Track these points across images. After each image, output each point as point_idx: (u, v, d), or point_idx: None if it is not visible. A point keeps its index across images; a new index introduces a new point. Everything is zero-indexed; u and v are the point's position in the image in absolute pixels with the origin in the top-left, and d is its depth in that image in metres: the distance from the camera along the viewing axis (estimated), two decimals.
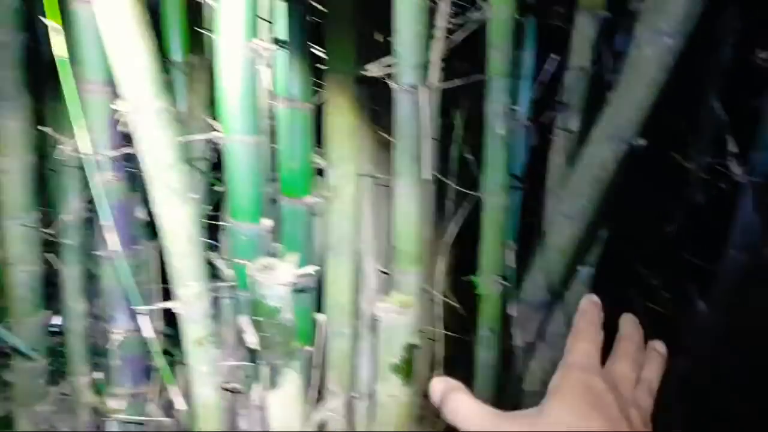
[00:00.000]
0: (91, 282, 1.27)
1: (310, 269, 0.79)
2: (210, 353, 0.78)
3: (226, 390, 0.91)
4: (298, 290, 0.86)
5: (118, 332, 0.99)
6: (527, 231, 1.04)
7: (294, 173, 0.96)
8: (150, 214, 1.13)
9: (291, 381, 0.82)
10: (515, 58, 0.94)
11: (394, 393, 0.89)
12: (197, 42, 1.11)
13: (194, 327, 0.76)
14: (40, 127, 1.08)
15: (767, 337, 1.07)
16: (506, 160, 0.96)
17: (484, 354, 1.04)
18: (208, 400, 0.83)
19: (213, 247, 1.07)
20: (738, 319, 1.12)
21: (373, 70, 1.01)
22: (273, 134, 0.99)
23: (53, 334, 1.33)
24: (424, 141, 0.99)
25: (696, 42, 0.80)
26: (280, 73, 0.92)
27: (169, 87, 1.19)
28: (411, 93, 0.96)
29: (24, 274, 1.21)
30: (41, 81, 1.26)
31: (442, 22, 0.93)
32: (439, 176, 1.09)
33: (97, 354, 1.26)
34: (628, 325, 0.55)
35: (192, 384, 0.82)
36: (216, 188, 1.13)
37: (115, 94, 0.93)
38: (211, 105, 1.15)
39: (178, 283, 0.74)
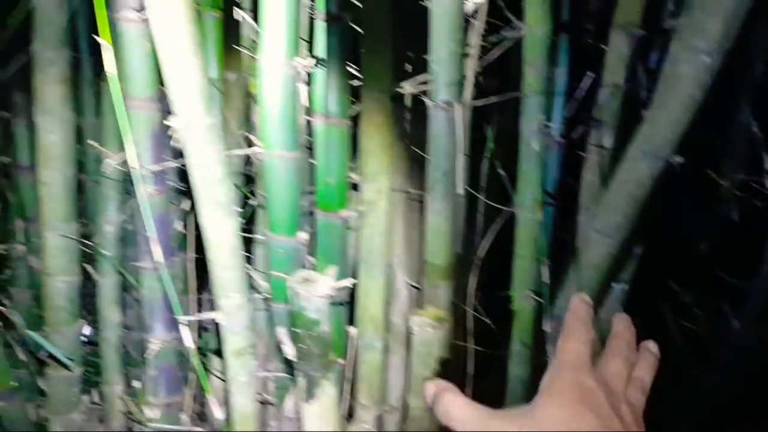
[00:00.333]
0: (125, 293, 1.30)
1: (348, 282, 0.80)
2: (249, 364, 0.80)
3: (261, 402, 0.92)
4: (334, 303, 0.87)
5: (156, 342, 1.00)
6: (560, 247, 1.05)
7: (330, 188, 0.97)
8: (185, 226, 1.16)
9: (327, 393, 0.83)
10: (549, 75, 0.95)
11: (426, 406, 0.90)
12: (231, 58, 1.14)
13: (235, 338, 0.78)
14: (90, 142, 1.11)
15: None
16: (540, 177, 0.96)
17: (516, 370, 1.04)
18: (246, 409, 0.84)
19: (247, 260, 1.09)
20: None
21: (408, 87, 1.03)
22: (309, 149, 1.01)
23: (84, 343, 1.36)
24: (457, 157, 1.01)
25: (731, 58, 0.80)
26: (318, 90, 0.94)
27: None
28: (445, 110, 0.98)
29: (62, 284, 1.24)
30: (82, 96, 1.31)
31: (476, 40, 0.94)
32: (472, 191, 1.10)
33: (130, 364, 1.28)
34: (621, 324, 0.55)
35: (230, 394, 0.83)
36: (250, 202, 1.15)
37: (158, 110, 0.97)
38: (246, 121, 1.18)
39: (221, 294, 0.75)
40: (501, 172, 1.05)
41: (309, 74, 0.92)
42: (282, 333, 0.81)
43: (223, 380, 1.07)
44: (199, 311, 1.17)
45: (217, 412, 0.88)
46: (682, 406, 1.06)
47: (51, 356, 1.21)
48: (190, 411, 1.09)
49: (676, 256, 1.22)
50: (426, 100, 0.99)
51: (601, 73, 0.99)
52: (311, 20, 0.93)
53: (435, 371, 0.91)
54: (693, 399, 0.60)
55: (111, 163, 0.93)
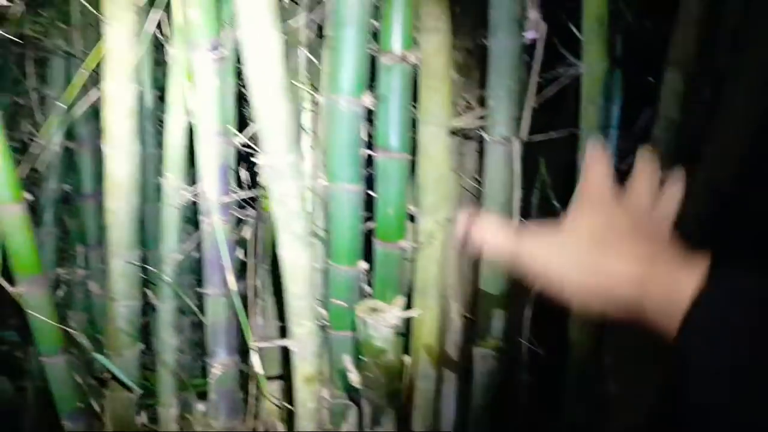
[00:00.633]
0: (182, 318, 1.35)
1: (414, 313, 0.82)
2: (317, 390, 0.82)
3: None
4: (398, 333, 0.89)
5: (218, 366, 1.03)
6: None
7: (389, 219, 1.00)
8: (245, 254, 1.20)
9: (390, 420, 0.85)
10: (606, 110, 0.98)
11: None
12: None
13: (305, 365, 0.81)
14: (168, 175, 1.16)
15: None
16: None
17: (572, 400, 1.04)
18: None
19: None
20: None
21: (466, 122, 1.06)
22: (369, 181, 1.05)
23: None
24: (513, 190, 1.03)
25: None
26: (380, 125, 0.98)
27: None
28: (503, 144, 1.01)
29: (124, 309, 1.29)
30: (144, 129, 1.37)
31: (534, 77, 0.97)
32: (525, 222, 1.12)
33: (183, 388, 1.31)
34: (644, 160, 0.52)
35: (297, 419, 0.85)
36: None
37: (226, 144, 1.02)
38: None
39: (294, 322, 0.78)
40: (556, 204, 1.06)
41: (370, 110, 0.96)
42: (348, 361, 0.83)
43: (278, 406, 1.09)
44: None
45: None
46: None
47: (113, 378, 1.25)
48: None
49: None
50: (484, 134, 1.02)
51: (655, 108, 1.01)
52: (373, 58, 0.97)
53: (493, 401, 0.92)
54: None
55: (186, 194, 0.97)
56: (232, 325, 1.06)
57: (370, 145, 0.99)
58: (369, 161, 1.01)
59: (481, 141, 1.09)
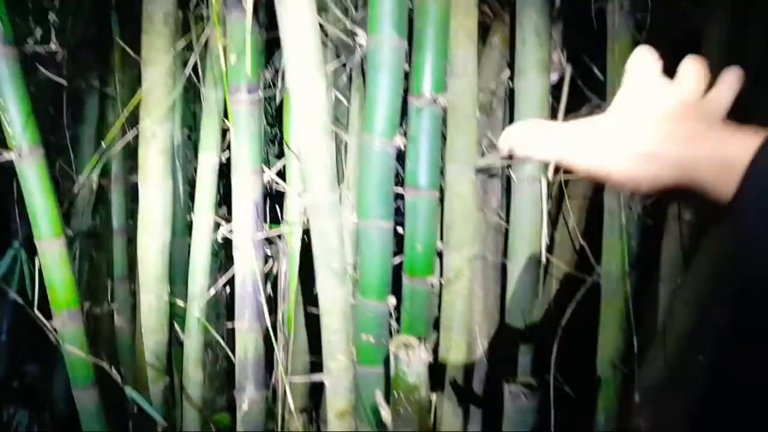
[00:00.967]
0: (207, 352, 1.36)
1: (446, 349, 0.83)
2: (350, 425, 0.83)
3: None
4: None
5: (246, 402, 1.04)
6: (641, 318, 1.06)
7: (418, 254, 1.02)
8: (273, 289, 1.22)
9: None
10: None
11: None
12: None
13: (338, 399, 0.81)
14: (200, 211, 1.19)
15: None
16: (626, 249, 0.99)
17: None
18: None
19: None
20: None
21: (491, 161, 1.09)
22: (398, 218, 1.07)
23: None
24: (540, 227, 1.05)
25: None
26: (411, 164, 1.00)
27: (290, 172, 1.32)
28: (529, 183, 1.03)
29: (153, 343, 1.31)
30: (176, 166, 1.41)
31: (561, 118, 1.00)
32: (553, 259, 1.13)
33: (207, 423, 1.32)
34: (690, 60, 0.48)
35: None
36: None
37: (260, 182, 1.05)
38: None
39: (329, 357, 0.80)
40: (582, 242, 1.08)
41: (401, 149, 0.99)
42: (379, 396, 0.84)
43: None
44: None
45: None
46: None
47: (140, 411, 1.26)
48: None
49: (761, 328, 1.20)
50: (511, 173, 1.04)
51: None
52: (404, 99, 1.01)
53: None
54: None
55: (220, 230, 1.00)
56: (261, 360, 1.08)
57: (399, 183, 1.02)
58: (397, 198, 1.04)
59: (507, 179, 1.11)
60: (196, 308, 1.31)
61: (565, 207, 1.14)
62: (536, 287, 1.07)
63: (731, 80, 0.47)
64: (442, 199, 1.07)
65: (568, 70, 1.02)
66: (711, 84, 0.47)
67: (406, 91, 0.97)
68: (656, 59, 0.47)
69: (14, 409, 1.55)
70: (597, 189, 1.05)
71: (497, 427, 1.01)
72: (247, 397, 1.06)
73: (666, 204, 1.06)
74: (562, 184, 1.12)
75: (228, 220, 1.19)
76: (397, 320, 1.06)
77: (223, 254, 1.52)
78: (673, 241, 1.05)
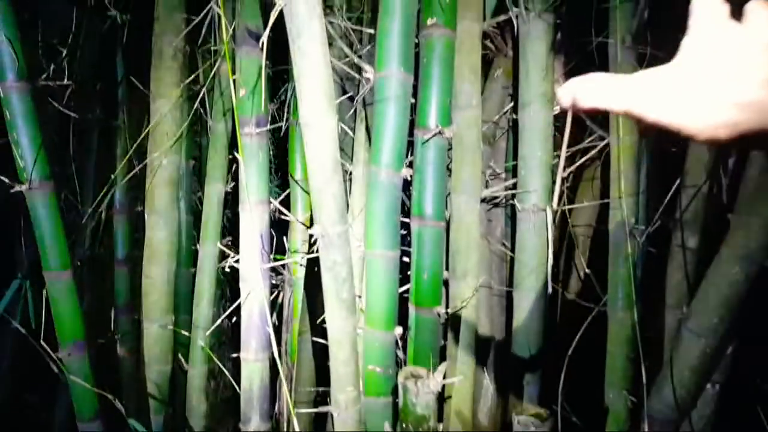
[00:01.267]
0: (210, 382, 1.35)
1: (456, 379, 0.83)
2: None
3: None
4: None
5: None
6: (648, 346, 1.05)
7: (425, 284, 1.02)
8: (278, 318, 1.22)
9: None
10: (635, 179, 1.01)
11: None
12: None
13: (346, 430, 0.81)
14: (219, 245, 1.21)
15: None
16: (631, 278, 1.00)
17: None
18: None
19: None
20: None
21: (495, 191, 1.10)
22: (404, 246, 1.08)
23: None
24: (545, 257, 1.05)
25: None
26: (417, 194, 1.02)
27: (294, 203, 1.33)
28: (534, 213, 1.04)
29: (156, 373, 1.30)
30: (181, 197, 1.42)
31: (564, 149, 1.02)
32: (559, 288, 1.14)
33: None
34: (756, 3, 0.45)
35: None
36: None
37: (267, 213, 1.06)
38: None
39: (338, 388, 0.79)
40: (587, 270, 1.08)
41: (407, 180, 1.01)
42: (387, 427, 0.83)
43: None
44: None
45: None
46: None
47: None
48: None
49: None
50: (515, 203, 1.05)
51: (682, 176, 1.04)
52: (411, 132, 1.03)
53: None
54: None
55: (230, 261, 1.01)
56: (267, 391, 1.07)
57: (406, 213, 1.03)
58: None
59: (511, 208, 1.13)
60: (200, 338, 1.31)
61: (571, 236, 1.15)
62: (543, 316, 1.07)
63: None
64: (447, 229, 1.07)
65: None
66: None
67: (412, 123, 0.99)
68: (720, 2, 0.44)
69: None
70: (600, 217, 1.06)
71: None
72: (253, 429, 1.05)
73: (672, 229, 1.07)
74: (566, 213, 1.13)
75: (233, 249, 1.20)
76: (404, 350, 1.06)
77: (226, 284, 1.52)
78: (678, 269, 1.06)
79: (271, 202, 1.15)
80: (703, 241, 1.03)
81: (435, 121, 0.96)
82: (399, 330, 1.01)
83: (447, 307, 1.08)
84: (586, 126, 1.07)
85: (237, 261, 0.94)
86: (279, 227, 1.35)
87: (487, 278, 1.19)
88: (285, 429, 1.22)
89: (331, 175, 0.68)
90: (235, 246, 1.16)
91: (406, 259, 1.04)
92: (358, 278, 1.09)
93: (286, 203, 1.31)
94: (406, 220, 1.04)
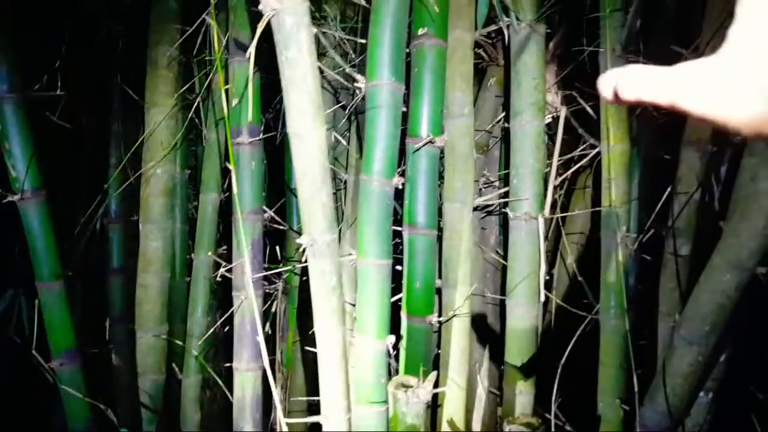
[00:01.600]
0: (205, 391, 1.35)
1: (446, 388, 0.83)
2: None
3: None
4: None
5: None
6: (641, 354, 1.05)
7: (418, 293, 1.02)
8: (272, 327, 1.21)
9: None
10: (627, 187, 1.01)
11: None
12: None
13: None
14: (200, 251, 1.20)
15: None
16: (624, 286, 1.00)
17: None
18: None
19: None
20: None
21: (488, 199, 1.10)
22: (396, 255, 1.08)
23: None
24: (537, 264, 1.05)
25: None
26: (409, 203, 1.02)
27: (289, 212, 1.33)
28: (526, 221, 1.04)
29: (150, 383, 1.30)
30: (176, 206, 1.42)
31: (556, 157, 1.02)
32: (551, 296, 1.14)
33: None
34: None
35: None
36: None
37: (260, 221, 1.06)
38: None
39: (327, 398, 0.79)
40: (580, 278, 1.08)
41: (399, 188, 1.01)
42: None
43: None
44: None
45: None
46: None
47: None
48: None
49: (762, 364, 1.20)
50: (508, 211, 1.06)
51: (674, 184, 1.05)
52: (402, 140, 1.03)
53: None
54: None
55: (223, 271, 1.01)
56: (260, 400, 1.07)
57: (399, 222, 1.03)
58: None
59: (504, 217, 1.13)
60: (194, 347, 1.31)
61: (563, 244, 1.15)
62: (535, 325, 1.07)
63: None
64: (440, 238, 1.07)
65: (563, 112, 1.05)
66: None
67: (404, 132, 0.99)
68: None
69: None
70: (593, 226, 1.06)
71: None
72: None
73: (665, 238, 1.07)
74: (559, 221, 1.14)
75: (227, 259, 1.20)
76: (396, 358, 1.06)
77: (221, 293, 1.52)
78: (670, 277, 1.06)
79: (265, 211, 1.15)
80: (696, 249, 1.03)
81: (426, 130, 0.96)
82: (391, 339, 1.00)
83: (440, 315, 1.08)
84: (578, 134, 1.08)
85: (229, 270, 0.93)
86: (276, 236, 1.35)
87: (480, 286, 1.19)
88: None
89: (319, 184, 0.68)
90: (230, 255, 1.16)
91: (399, 267, 1.04)
92: (353, 286, 1.09)
93: (283, 211, 1.32)
94: (400, 228, 1.04)
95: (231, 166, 0.85)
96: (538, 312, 1.06)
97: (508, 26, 1.02)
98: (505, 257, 1.12)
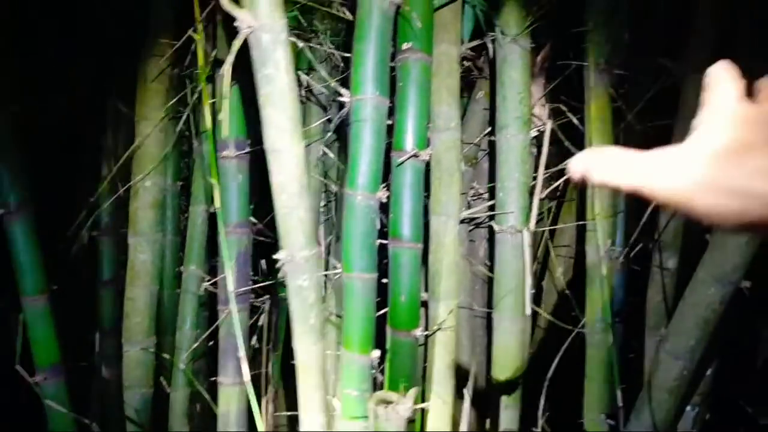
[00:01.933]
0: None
1: (426, 405, 0.82)
2: None
3: None
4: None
5: None
6: (628, 368, 1.05)
7: (403, 307, 1.02)
8: (258, 340, 1.21)
9: None
10: (612, 200, 1.01)
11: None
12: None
13: None
14: (189, 264, 1.20)
15: None
16: (609, 299, 0.99)
17: None
18: None
19: None
20: None
21: (476, 212, 1.10)
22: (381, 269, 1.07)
23: None
24: (523, 278, 1.05)
25: None
26: (394, 216, 1.02)
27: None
28: (512, 234, 1.04)
29: (137, 396, 1.29)
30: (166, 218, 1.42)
31: (542, 171, 1.02)
32: (538, 310, 1.13)
33: None
34: None
35: None
36: None
37: (246, 234, 1.06)
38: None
39: (307, 414, 0.79)
40: (567, 292, 1.08)
41: (384, 202, 1.01)
42: None
43: None
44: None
45: None
46: None
47: None
48: None
49: (747, 377, 1.19)
50: (493, 224, 1.05)
51: None
52: (387, 154, 1.03)
53: None
54: None
55: (207, 285, 1.01)
56: (245, 415, 1.06)
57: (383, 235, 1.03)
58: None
59: (490, 229, 1.13)
60: (182, 361, 1.30)
61: (551, 257, 1.15)
62: (521, 338, 1.06)
63: None
64: (426, 251, 1.07)
65: (548, 125, 1.05)
66: None
67: (390, 145, 1.00)
68: (736, 77, 0.44)
69: None
70: (581, 238, 1.06)
71: None
72: None
73: (652, 251, 1.07)
74: (547, 234, 1.13)
75: (216, 272, 1.20)
76: (383, 372, 1.06)
77: (211, 306, 1.51)
78: (657, 291, 1.05)
79: (255, 224, 1.15)
80: (682, 262, 1.03)
81: (411, 144, 0.96)
82: (376, 353, 1.00)
83: (426, 328, 1.08)
84: (562, 148, 1.08)
85: (213, 284, 0.93)
86: (267, 248, 1.34)
87: (468, 299, 1.18)
88: None
89: (297, 200, 0.68)
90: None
91: (386, 280, 1.04)
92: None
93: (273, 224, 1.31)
94: (386, 241, 1.04)
95: (213, 181, 0.85)
96: (524, 326, 1.06)
97: (492, 41, 1.03)
98: (492, 270, 1.11)
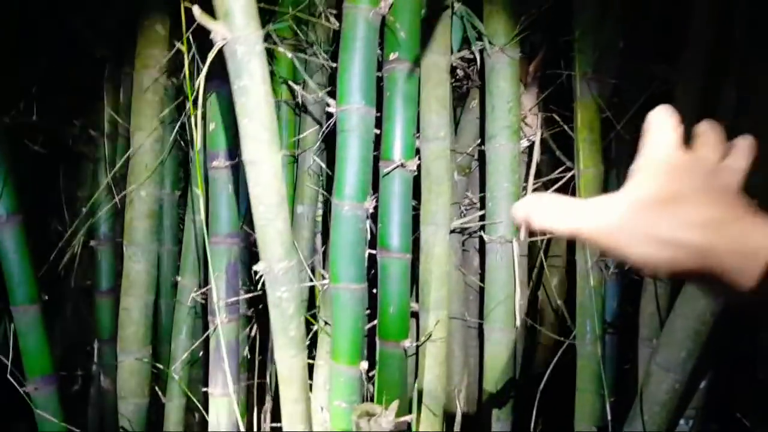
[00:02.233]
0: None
1: (409, 418, 0.81)
2: None
3: None
4: None
5: None
6: (623, 380, 1.03)
7: (392, 318, 1.01)
8: (250, 350, 1.21)
9: None
10: None
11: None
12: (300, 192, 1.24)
13: None
14: (183, 275, 1.20)
15: None
16: (600, 311, 0.98)
17: None
18: None
19: None
20: None
21: (467, 221, 1.09)
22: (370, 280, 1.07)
23: None
24: (515, 289, 1.04)
25: None
26: (382, 226, 1.01)
27: None
28: (502, 244, 1.03)
29: (132, 407, 1.29)
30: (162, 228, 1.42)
31: (531, 180, 1.01)
32: (530, 321, 1.12)
33: None
34: (706, 126, 0.47)
35: None
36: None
37: (236, 245, 1.06)
38: (312, 250, 1.25)
39: (289, 427, 0.78)
40: (559, 302, 1.07)
41: (373, 212, 1.00)
42: None
43: None
44: None
45: None
46: None
47: None
48: None
49: (741, 387, 1.17)
50: (483, 235, 1.05)
51: None
52: (376, 164, 1.03)
53: None
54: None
55: (195, 296, 1.01)
56: (236, 427, 1.06)
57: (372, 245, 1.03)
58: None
59: (481, 239, 1.12)
60: (177, 370, 1.30)
61: (542, 267, 1.14)
62: (512, 349, 1.05)
63: (745, 148, 0.46)
64: (416, 261, 1.07)
65: (538, 135, 1.04)
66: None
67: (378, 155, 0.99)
68: (674, 123, 0.46)
69: None
70: (573, 249, 1.04)
71: None
72: None
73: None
74: (538, 244, 1.12)
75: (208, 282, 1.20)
76: (373, 383, 1.05)
77: (206, 316, 1.51)
78: (650, 301, 1.04)
79: (249, 234, 1.15)
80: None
81: (398, 154, 0.96)
82: (364, 365, 0.99)
83: (417, 339, 1.07)
84: (555, 157, 1.07)
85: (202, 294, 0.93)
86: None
87: (461, 310, 1.18)
88: None
89: (275, 211, 0.68)
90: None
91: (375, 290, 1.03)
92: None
93: None
94: (374, 252, 1.03)
95: (198, 191, 0.85)
96: (515, 337, 1.05)
97: (481, 51, 1.03)
98: (483, 280, 1.11)
